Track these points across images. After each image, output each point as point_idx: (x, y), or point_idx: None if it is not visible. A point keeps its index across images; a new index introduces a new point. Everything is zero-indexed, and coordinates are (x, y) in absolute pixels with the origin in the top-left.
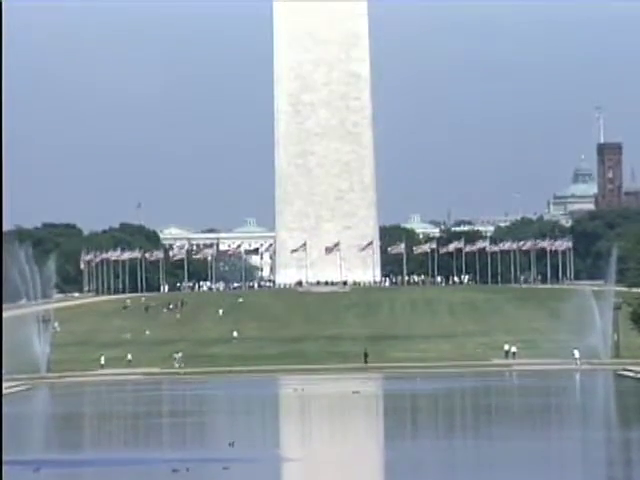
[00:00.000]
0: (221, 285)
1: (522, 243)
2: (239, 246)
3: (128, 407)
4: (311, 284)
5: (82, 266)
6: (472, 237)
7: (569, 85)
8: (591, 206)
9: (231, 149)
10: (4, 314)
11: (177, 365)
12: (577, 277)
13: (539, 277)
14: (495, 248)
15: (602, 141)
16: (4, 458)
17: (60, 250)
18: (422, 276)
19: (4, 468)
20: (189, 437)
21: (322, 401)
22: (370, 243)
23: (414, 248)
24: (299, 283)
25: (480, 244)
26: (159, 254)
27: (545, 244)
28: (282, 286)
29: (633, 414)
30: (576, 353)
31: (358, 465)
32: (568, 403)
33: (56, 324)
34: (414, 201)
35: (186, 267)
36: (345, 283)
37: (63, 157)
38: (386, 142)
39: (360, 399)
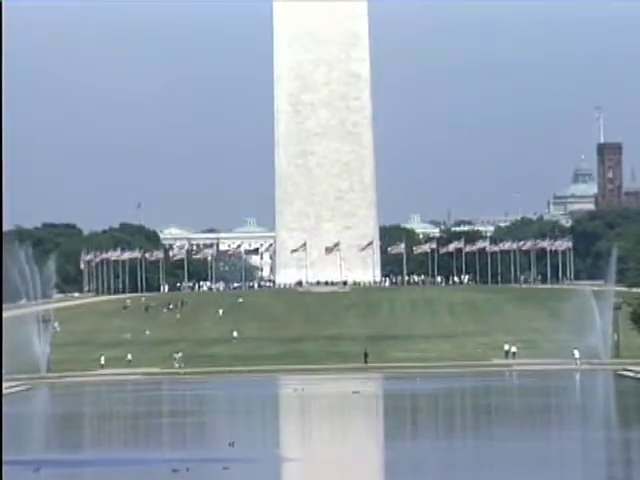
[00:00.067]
0: (221, 285)
1: (522, 243)
2: (239, 246)
3: (128, 407)
4: (311, 284)
5: (82, 266)
6: (472, 237)
7: (569, 85)
8: (591, 206)
9: (231, 149)
10: (4, 314)
11: (177, 365)
12: (577, 277)
13: (539, 277)
14: (495, 248)
15: (602, 141)
16: (4, 458)
17: (60, 250)
18: (422, 276)
19: (4, 468)
20: (189, 437)
21: (322, 401)
22: (370, 243)
23: (414, 248)
24: (299, 283)
25: (480, 244)
26: (159, 254)
27: (545, 244)
28: (282, 286)
29: (633, 414)
30: (576, 353)
31: (358, 465)
32: (568, 403)
33: (56, 324)
34: (414, 201)
35: (186, 267)
36: (345, 283)
37: (63, 157)
38: (386, 142)
39: (360, 399)
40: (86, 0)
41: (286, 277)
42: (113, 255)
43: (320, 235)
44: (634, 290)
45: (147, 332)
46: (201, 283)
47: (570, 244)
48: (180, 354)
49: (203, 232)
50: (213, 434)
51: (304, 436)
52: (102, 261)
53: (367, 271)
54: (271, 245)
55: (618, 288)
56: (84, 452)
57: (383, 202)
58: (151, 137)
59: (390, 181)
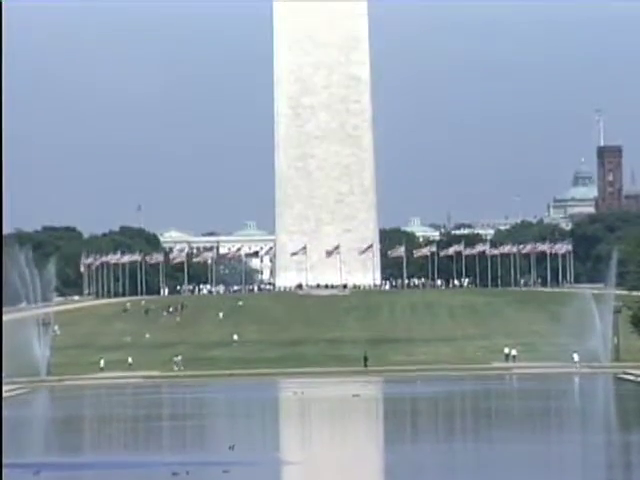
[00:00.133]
0: (221, 288)
1: (522, 246)
2: (239, 249)
3: (128, 410)
4: (311, 287)
5: (82, 269)
6: (472, 240)
7: (569, 87)
8: (591, 209)
9: (231, 152)
10: (4, 317)
11: (177, 368)
12: (577, 280)
13: (539, 280)
14: (495, 251)
15: (602, 144)
16: (4, 461)
17: (60, 253)
18: (422, 279)
19: (4, 471)
20: (189, 440)
21: (322, 404)
22: (370, 246)
23: (414, 251)
24: (299, 286)
25: (480, 247)
26: (159, 257)
27: (545, 247)
28: (282, 289)
29: (633, 417)
30: (576, 356)
31: (358, 468)
32: (568, 406)
33: (56, 327)
34: (414, 204)
35: (186, 270)
36: (345, 286)
37: (63, 159)
38: (386, 145)
39: (360, 402)
40: (86, 0)
41: (286, 280)
42: (113, 258)
43: (320, 238)
44: (634, 293)
45: (147, 335)
46: (201, 286)
47: (570, 247)
48: (180, 357)
49: (203, 235)
50: (213, 437)
51: (304, 439)
52: (102, 264)
53: (367, 274)
54: (271, 248)
55: (618, 291)
56: (84, 455)
57: (383, 205)
58: (151, 140)
59: (390, 184)
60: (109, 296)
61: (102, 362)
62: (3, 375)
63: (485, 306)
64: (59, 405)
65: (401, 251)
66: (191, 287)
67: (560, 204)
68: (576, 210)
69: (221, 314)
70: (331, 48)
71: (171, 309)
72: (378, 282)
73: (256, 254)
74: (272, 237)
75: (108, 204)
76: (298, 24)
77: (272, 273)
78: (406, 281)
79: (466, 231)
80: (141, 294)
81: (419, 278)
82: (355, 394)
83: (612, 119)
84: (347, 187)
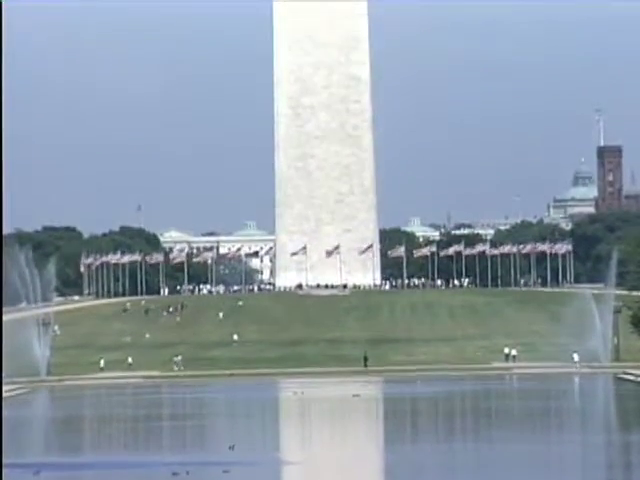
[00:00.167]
0: (221, 288)
1: (522, 246)
2: (239, 249)
3: (128, 410)
4: (311, 287)
5: (82, 269)
6: (472, 240)
7: (569, 87)
8: (591, 209)
9: (231, 152)
10: (4, 317)
11: (177, 368)
12: (577, 280)
13: (539, 280)
14: (495, 251)
15: (602, 144)
16: (4, 461)
17: (60, 253)
18: (422, 279)
19: (4, 471)
20: (189, 440)
21: (322, 404)
22: (370, 246)
23: (414, 251)
24: (299, 286)
25: (480, 247)
26: (159, 257)
27: (545, 247)
28: (282, 289)
29: (633, 418)
30: (576, 356)
31: (358, 468)
32: (568, 406)
33: (56, 327)
34: (414, 204)
35: (186, 270)
36: (345, 286)
37: (63, 159)
38: (386, 145)
39: (360, 402)
40: (86, 0)
41: (286, 280)
42: (113, 258)
43: (320, 238)
44: (634, 293)
45: (147, 335)
46: (201, 286)
47: (570, 247)
48: (180, 357)
49: (203, 235)
50: (213, 437)
51: (304, 439)
52: (102, 264)
53: (367, 274)
54: (271, 248)
55: (618, 291)
56: (84, 455)
57: (383, 205)
58: (151, 140)
59: (390, 184)
60: (109, 296)
61: (102, 362)
62: (3, 375)
63: (485, 306)
64: (59, 405)
65: (401, 251)
66: (191, 287)
67: (560, 204)
68: (576, 210)
69: (221, 314)
70: (331, 48)
71: (171, 309)
72: (378, 282)
73: (256, 254)
74: (272, 237)
75: (108, 204)
76: (298, 24)
77: (272, 273)
78: (406, 281)
79: (466, 231)
80: (141, 294)
81: (419, 278)
82: (355, 394)
83: (612, 119)
84: (347, 187)
